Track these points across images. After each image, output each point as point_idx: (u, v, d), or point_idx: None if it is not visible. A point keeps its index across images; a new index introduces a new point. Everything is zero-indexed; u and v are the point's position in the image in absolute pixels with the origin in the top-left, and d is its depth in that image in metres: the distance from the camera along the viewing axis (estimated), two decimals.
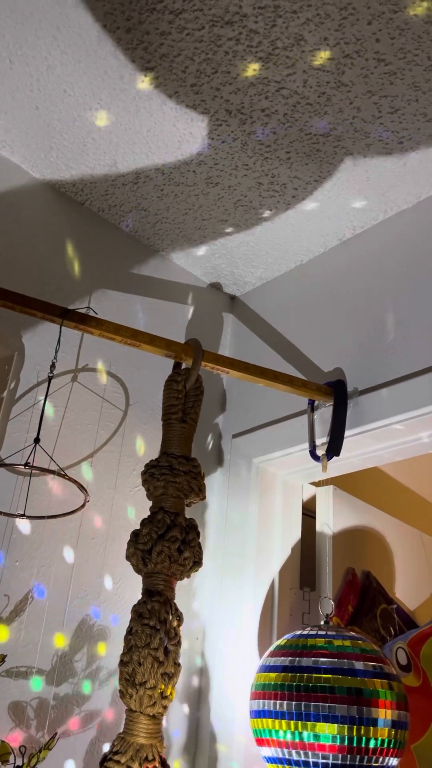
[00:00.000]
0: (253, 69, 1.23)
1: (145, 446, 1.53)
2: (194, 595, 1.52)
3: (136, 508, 1.45)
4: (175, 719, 1.40)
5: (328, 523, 1.59)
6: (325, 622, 1.21)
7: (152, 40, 1.21)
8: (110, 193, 1.57)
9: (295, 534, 1.60)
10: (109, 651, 1.31)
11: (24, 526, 1.26)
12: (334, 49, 1.19)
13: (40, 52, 1.24)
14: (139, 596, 1.11)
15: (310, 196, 1.53)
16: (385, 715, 1.05)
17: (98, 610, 1.32)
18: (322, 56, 1.20)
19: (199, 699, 1.45)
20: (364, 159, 1.42)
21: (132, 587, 1.39)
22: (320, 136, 1.37)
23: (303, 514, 1.66)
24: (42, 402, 1.30)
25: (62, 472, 1.11)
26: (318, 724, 1.02)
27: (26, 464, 1.07)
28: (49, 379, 1.20)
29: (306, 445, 1.48)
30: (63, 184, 1.55)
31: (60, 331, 1.21)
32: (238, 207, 1.59)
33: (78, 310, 1.23)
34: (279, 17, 1.15)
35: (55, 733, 1.09)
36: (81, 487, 1.12)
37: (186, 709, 1.43)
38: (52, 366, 1.19)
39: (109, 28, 1.19)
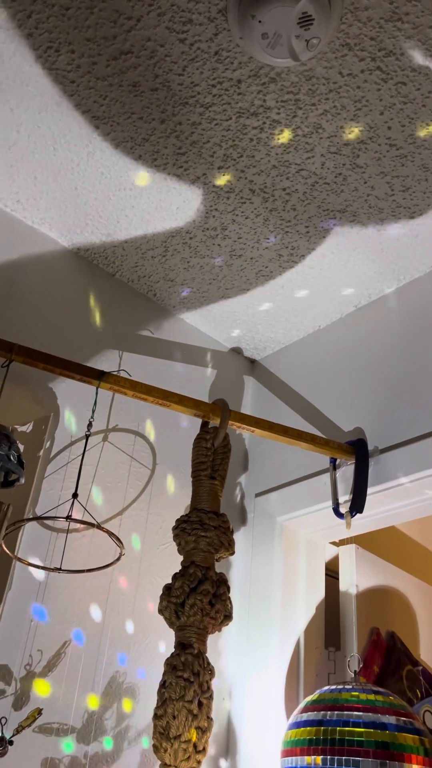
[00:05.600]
0: (282, 138, 1.35)
1: (172, 504, 1.57)
2: (220, 654, 1.52)
3: (165, 564, 1.48)
4: None
5: (351, 581, 1.61)
6: (353, 678, 1.22)
7: (184, 130, 1.33)
8: (140, 265, 1.68)
9: (319, 593, 1.62)
10: (138, 709, 1.32)
11: (58, 581, 1.29)
12: (349, 136, 1.31)
13: (82, 140, 1.37)
14: (168, 652, 1.14)
15: (327, 267, 1.63)
16: None
17: (128, 666, 1.33)
18: (338, 142, 1.32)
19: (227, 760, 1.44)
20: (378, 232, 1.52)
21: (161, 642, 1.40)
22: (337, 212, 1.48)
23: (325, 574, 1.68)
24: (75, 458, 1.36)
25: (101, 526, 1.16)
26: None
27: (67, 517, 1.12)
28: (86, 437, 1.26)
29: (328, 503, 1.52)
30: (96, 256, 1.66)
31: (96, 392, 1.29)
32: (259, 277, 1.69)
33: (113, 373, 1.31)
34: (299, 109, 1.27)
35: None
36: (117, 540, 1.17)
37: None
38: (90, 425, 1.26)
39: (145, 119, 1.32)
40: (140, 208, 1.51)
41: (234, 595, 1.61)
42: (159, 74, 1.23)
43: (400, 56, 1.17)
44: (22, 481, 1.17)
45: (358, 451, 1.48)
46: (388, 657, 1.60)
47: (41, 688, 1.19)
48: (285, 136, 1.32)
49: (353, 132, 1.30)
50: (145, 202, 1.50)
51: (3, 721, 1.05)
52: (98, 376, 1.28)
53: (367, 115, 1.27)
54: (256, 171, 1.40)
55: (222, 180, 1.42)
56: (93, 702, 1.25)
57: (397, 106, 1.25)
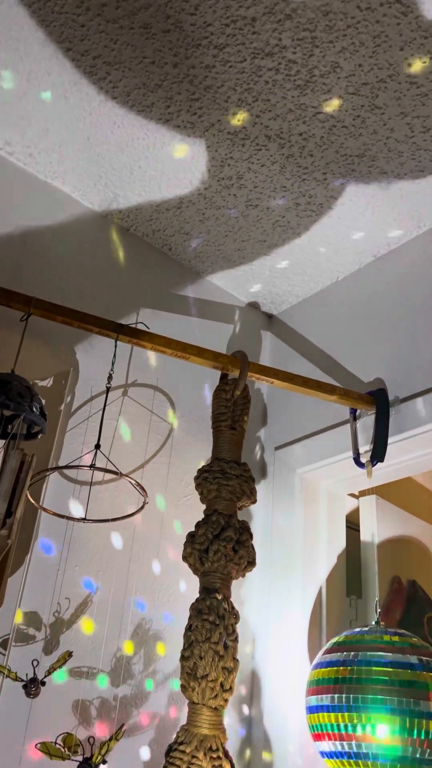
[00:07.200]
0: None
1: (193, 457, 1.58)
2: (243, 603, 1.55)
3: (186, 517, 1.50)
4: (228, 723, 1.42)
5: (372, 531, 1.62)
6: (376, 622, 1.23)
7: (197, 74, 1.30)
8: (154, 219, 1.66)
9: (340, 543, 1.63)
10: (165, 653, 1.35)
11: (83, 531, 1.31)
12: (368, 75, 1.27)
13: (93, 89, 1.34)
14: (193, 598, 1.16)
15: (345, 215, 1.60)
16: None
17: (153, 612, 1.36)
18: (357, 82, 1.28)
19: (251, 703, 1.47)
20: (398, 177, 1.49)
21: (184, 589, 1.43)
22: (355, 157, 1.45)
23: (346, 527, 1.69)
24: (96, 413, 1.37)
25: (124, 474, 1.17)
26: (374, 715, 1.05)
27: (91, 466, 1.13)
28: (107, 389, 1.27)
29: (349, 454, 1.52)
30: (110, 210, 1.64)
31: (116, 345, 1.28)
32: (276, 227, 1.66)
33: (130, 326, 1.30)
34: (316, 47, 1.23)
35: (123, 725, 1.12)
36: (141, 488, 1.18)
37: (238, 714, 1.45)
38: (110, 378, 1.26)
39: (157, 63, 1.28)
40: (154, 158, 1.49)
41: (256, 546, 1.62)
42: (171, 14, 1.20)
43: None
44: (45, 432, 1.18)
45: (379, 400, 1.47)
46: (410, 604, 1.62)
47: (85, 628, 1.22)
48: (303, 78, 1.28)
49: (372, 71, 1.26)
50: (159, 152, 1.47)
51: (34, 663, 1.08)
52: (116, 329, 1.27)
53: (387, 52, 1.23)
54: (272, 115, 1.37)
55: (236, 122, 1.39)
56: (119, 644, 1.28)
57: (418, 41, 1.21)
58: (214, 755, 1.01)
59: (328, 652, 1.18)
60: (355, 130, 1.39)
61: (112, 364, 1.29)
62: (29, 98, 1.37)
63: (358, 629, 1.19)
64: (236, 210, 1.61)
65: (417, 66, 1.25)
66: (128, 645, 1.30)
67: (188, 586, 1.43)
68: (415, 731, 1.03)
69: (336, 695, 1.09)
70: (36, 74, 1.33)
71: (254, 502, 1.26)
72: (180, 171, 1.51)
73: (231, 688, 1.07)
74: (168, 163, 1.50)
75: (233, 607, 1.14)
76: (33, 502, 1.17)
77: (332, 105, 1.27)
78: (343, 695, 1.08)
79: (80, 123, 1.42)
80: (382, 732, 1.04)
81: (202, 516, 1.22)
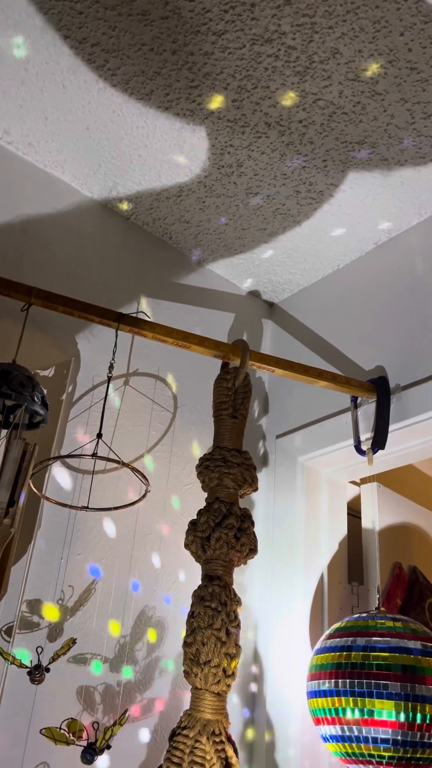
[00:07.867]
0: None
1: (195, 446, 1.59)
2: (245, 589, 1.56)
3: (188, 504, 1.51)
4: (230, 708, 1.44)
5: (373, 518, 1.63)
6: (377, 608, 1.24)
7: (196, 60, 1.29)
8: (155, 207, 1.65)
9: (342, 530, 1.64)
10: (168, 640, 1.36)
11: (85, 519, 1.32)
12: (368, 60, 1.26)
13: (92, 76, 1.34)
14: (195, 585, 1.17)
15: (346, 202, 1.60)
16: None
17: (156, 600, 1.37)
18: (357, 68, 1.27)
19: (254, 689, 1.49)
20: (398, 164, 1.48)
21: (187, 576, 1.44)
22: (356, 144, 1.44)
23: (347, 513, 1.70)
24: (98, 402, 1.37)
25: (126, 463, 1.18)
26: (375, 700, 1.06)
27: (93, 455, 1.13)
28: (109, 379, 1.27)
29: (350, 442, 1.53)
30: (110, 199, 1.64)
31: (116, 334, 1.29)
32: (277, 215, 1.66)
33: (132, 315, 1.31)
34: (315, 33, 1.22)
35: (126, 710, 1.14)
36: (143, 477, 1.19)
37: (241, 699, 1.46)
38: (111, 367, 1.27)
39: (156, 51, 1.28)
40: (153, 147, 1.48)
41: (257, 534, 1.63)
42: (169, 1, 1.19)
43: None
44: (47, 422, 1.18)
45: (380, 388, 1.48)
46: (411, 590, 1.63)
47: (89, 614, 1.23)
48: (301, 65, 1.27)
49: (372, 56, 1.25)
50: (159, 140, 1.46)
51: (39, 650, 1.10)
52: (117, 318, 1.28)
53: (387, 37, 1.22)
54: (271, 103, 1.36)
55: (236, 113, 1.38)
56: (121, 631, 1.29)
57: (418, 26, 1.20)
58: (217, 740, 1.02)
59: (329, 637, 1.20)
60: (355, 117, 1.38)
61: (113, 353, 1.30)
62: (27, 86, 1.37)
63: (359, 615, 1.20)
64: (236, 198, 1.60)
65: (417, 51, 1.23)
66: (131, 632, 1.31)
67: (190, 574, 1.44)
68: (412, 715, 1.04)
69: (336, 680, 1.10)
70: (34, 61, 1.32)
71: (256, 489, 1.26)
72: (180, 159, 1.51)
73: (233, 674, 1.08)
74: (168, 152, 1.49)
75: (235, 594, 1.15)
76: (35, 491, 1.18)
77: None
78: (342, 680, 1.09)
79: (79, 112, 1.41)
80: (381, 717, 1.05)
81: (204, 504, 1.23)
